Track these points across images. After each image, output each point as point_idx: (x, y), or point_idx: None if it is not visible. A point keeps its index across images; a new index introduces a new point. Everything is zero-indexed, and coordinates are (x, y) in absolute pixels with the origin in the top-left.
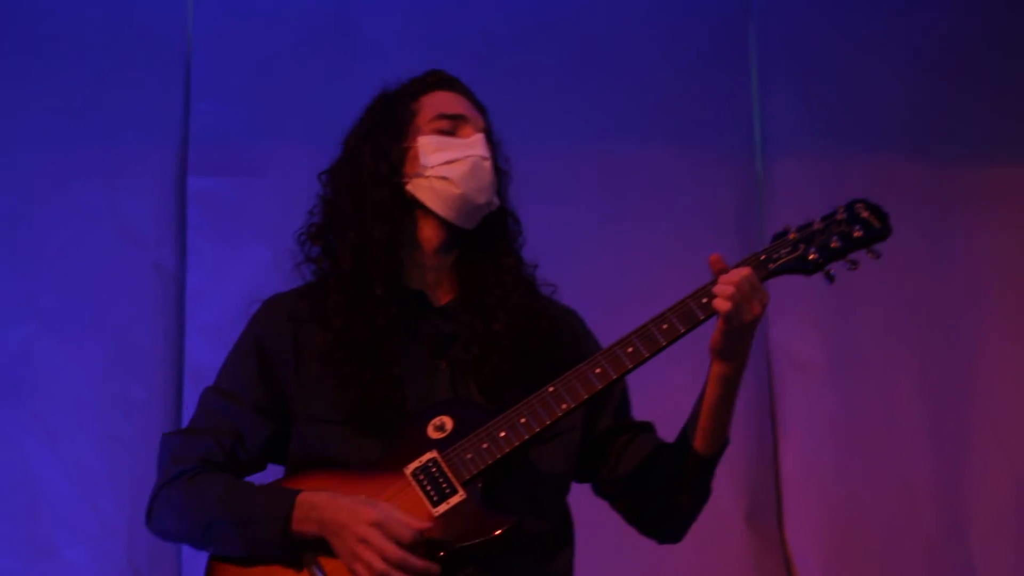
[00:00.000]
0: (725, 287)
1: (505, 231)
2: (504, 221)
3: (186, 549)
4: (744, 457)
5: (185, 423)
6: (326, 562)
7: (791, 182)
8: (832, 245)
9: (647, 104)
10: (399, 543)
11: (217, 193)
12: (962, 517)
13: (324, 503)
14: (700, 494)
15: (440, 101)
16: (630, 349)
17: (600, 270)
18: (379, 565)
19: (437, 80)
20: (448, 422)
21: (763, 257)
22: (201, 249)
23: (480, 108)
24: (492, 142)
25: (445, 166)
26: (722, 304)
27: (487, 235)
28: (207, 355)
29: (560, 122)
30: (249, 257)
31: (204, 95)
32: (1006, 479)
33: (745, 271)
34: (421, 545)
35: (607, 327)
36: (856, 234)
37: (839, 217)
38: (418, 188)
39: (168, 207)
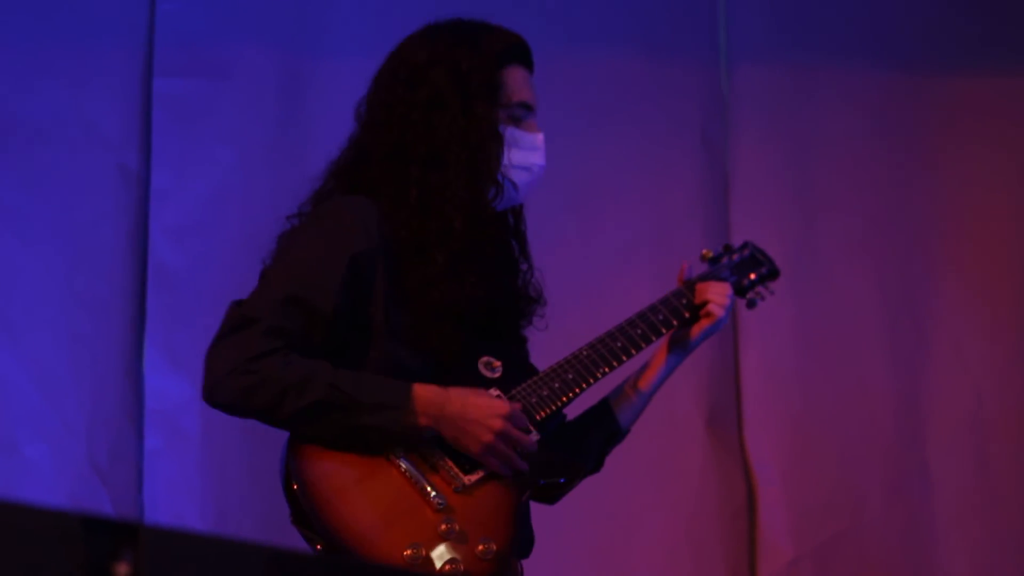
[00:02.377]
0: (722, 297)
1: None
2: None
3: (148, 444)
4: (705, 364)
5: (150, 322)
6: (414, 458)
7: (756, 90)
8: (752, 276)
9: (611, 9)
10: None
11: (183, 94)
12: (919, 426)
13: (443, 399)
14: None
15: (520, 82)
16: (646, 330)
17: (562, 176)
18: (514, 458)
19: (520, 49)
20: (496, 363)
21: (720, 276)
22: (166, 150)
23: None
24: None
25: (519, 171)
26: (718, 311)
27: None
28: (171, 255)
29: (524, 27)
30: (214, 158)
31: None
32: (964, 389)
33: (729, 288)
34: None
35: (565, 235)
36: (764, 271)
37: (747, 254)
38: None
39: (133, 108)
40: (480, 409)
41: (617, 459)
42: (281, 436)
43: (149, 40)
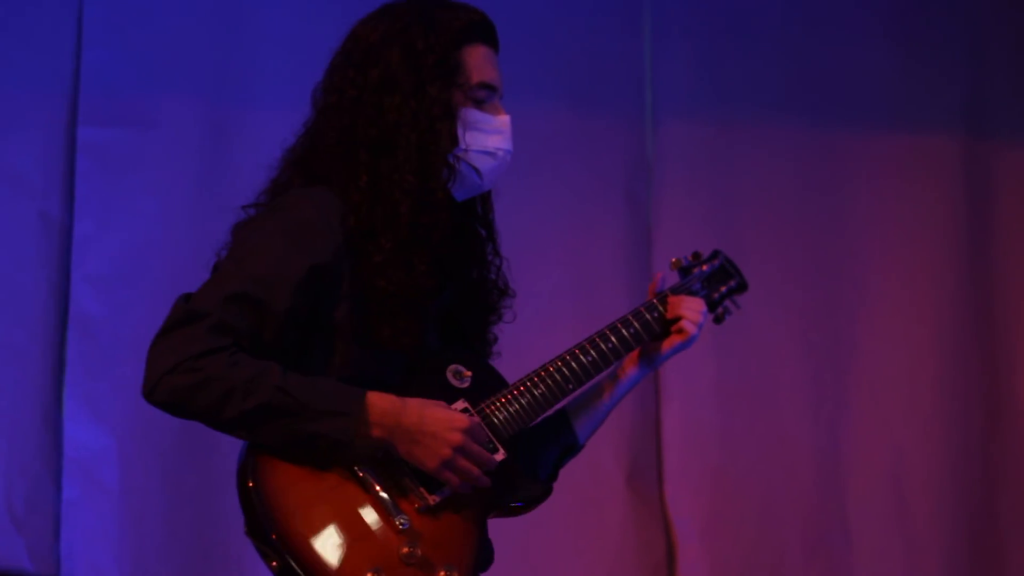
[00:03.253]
0: (695, 314)
1: (490, 198)
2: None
3: (67, 494)
4: (627, 418)
5: (69, 371)
6: (378, 474)
7: (680, 146)
8: (722, 289)
9: (539, 64)
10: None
11: (107, 143)
12: (839, 481)
13: (398, 408)
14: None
15: (482, 61)
16: (614, 341)
17: None
18: (476, 472)
19: (481, 27)
20: (466, 372)
21: (691, 288)
22: (89, 199)
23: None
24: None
25: (480, 156)
26: (691, 328)
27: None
28: (92, 304)
29: None
30: (137, 208)
31: (95, 44)
32: (884, 444)
33: (702, 304)
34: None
35: None
36: (733, 283)
37: (717, 264)
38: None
39: (57, 156)
40: (439, 422)
41: (537, 513)
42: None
43: (74, 89)
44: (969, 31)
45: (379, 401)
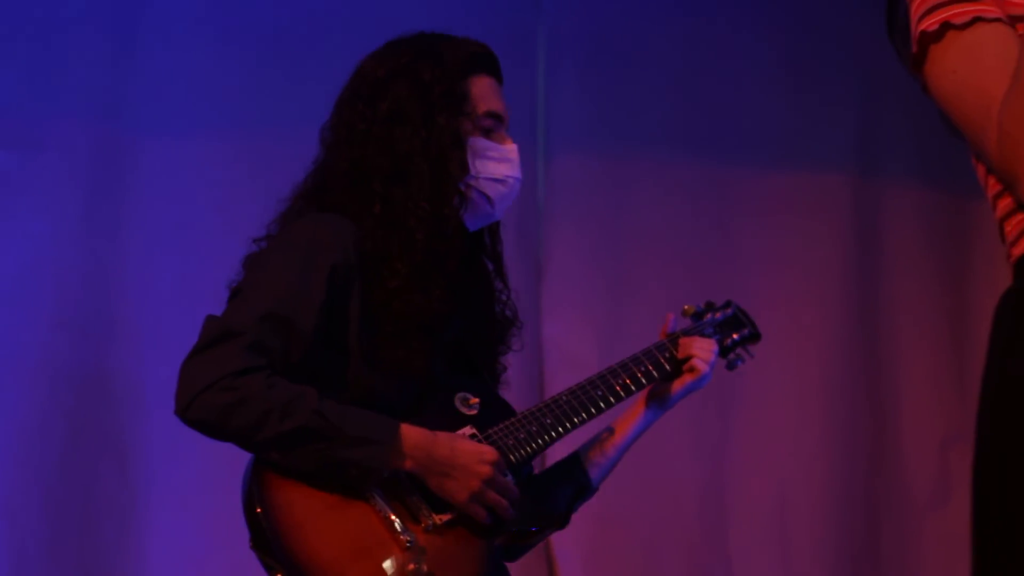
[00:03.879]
0: (707, 353)
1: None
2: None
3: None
4: None
5: None
6: (385, 491)
7: (572, 180)
8: (735, 336)
9: None
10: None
11: None
12: (723, 517)
13: (429, 441)
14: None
15: (488, 91)
16: (627, 380)
17: None
18: (505, 505)
19: (486, 59)
20: (473, 399)
21: (704, 332)
22: None
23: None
24: None
25: (491, 183)
26: (703, 366)
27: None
28: None
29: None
30: (27, 231)
31: None
32: (767, 481)
33: (714, 344)
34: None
35: None
36: (746, 331)
37: (729, 313)
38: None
39: None
40: (469, 455)
41: None
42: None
43: None
44: (860, 71)
45: (411, 432)
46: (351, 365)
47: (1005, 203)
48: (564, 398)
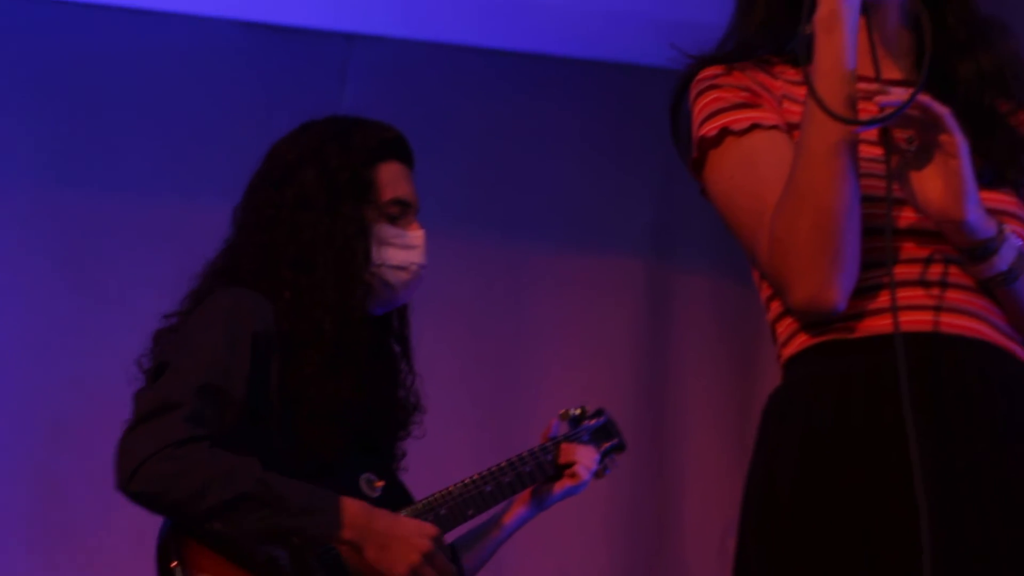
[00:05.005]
0: (590, 461)
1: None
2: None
3: None
4: None
5: None
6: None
7: None
8: (606, 446)
9: (238, 164)
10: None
11: None
12: None
13: (369, 512)
14: None
15: (395, 177)
16: (514, 478)
17: None
18: None
19: (395, 145)
20: (378, 482)
21: (582, 439)
22: None
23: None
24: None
25: (393, 271)
26: (584, 473)
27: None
28: None
29: (129, 166)
30: None
31: None
32: (547, 562)
33: (596, 453)
34: None
35: None
36: (615, 441)
37: (601, 421)
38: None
39: None
40: (408, 527)
41: None
42: None
43: None
44: (661, 157)
45: (351, 504)
46: (265, 437)
47: (776, 305)
48: (457, 491)
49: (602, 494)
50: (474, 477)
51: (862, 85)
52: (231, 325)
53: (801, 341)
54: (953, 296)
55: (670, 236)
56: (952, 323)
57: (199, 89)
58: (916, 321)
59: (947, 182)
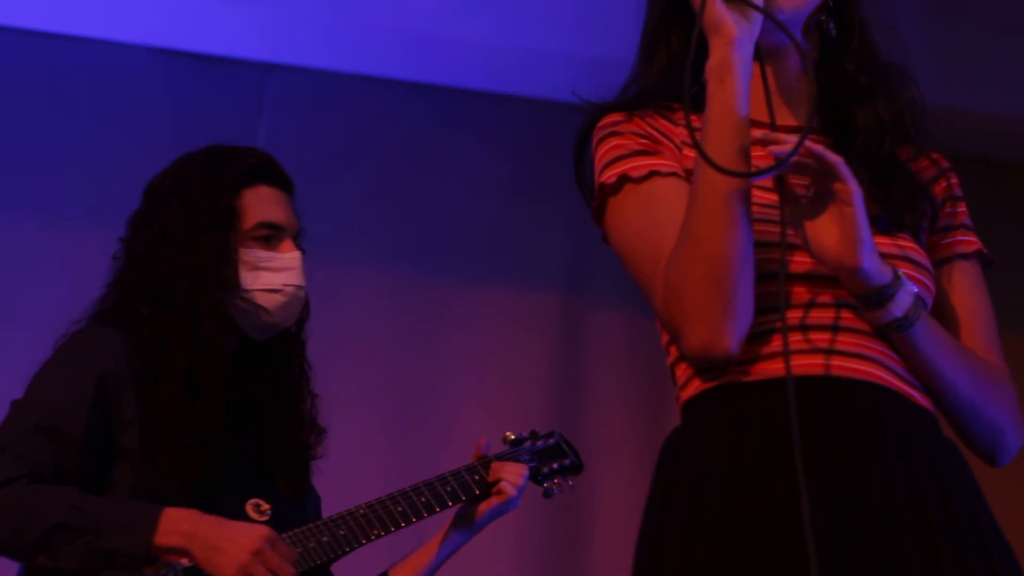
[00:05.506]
0: (516, 477)
1: (301, 327)
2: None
3: None
4: None
5: None
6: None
7: None
8: (554, 466)
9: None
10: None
11: None
12: None
13: (196, 517)
14: None
15: (263, 201)
16: (430, 498)
17: None
18: None
19: (262, 169)
20: (265, 506)
21: (518, 457)
22: None
23: (291, 189)
24: (301, 236)
25: (266, 294)
26: (511, 490)
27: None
28: None
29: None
30: None
31: None
32: None
33: (526, 469)
34: None
35: None
36: (567, 462)
37: (551, 442)
38: (230, 306)
39: None
40: (237, 529)
41: None
42: None
43: None
44: (573, 194)
45: (176, 513)
46: (133, 469)
47: (675, 350)
48: (362, 511)
49: (513, 527)
50: (384, 497)
51: (757, 132)
52: (76, 365)
53: (697, 385)
54: (848, 340)
55: (584, 271)
56: (847, 367)
57: (114, 116)
58: (809, 365)
59: (842, 229)
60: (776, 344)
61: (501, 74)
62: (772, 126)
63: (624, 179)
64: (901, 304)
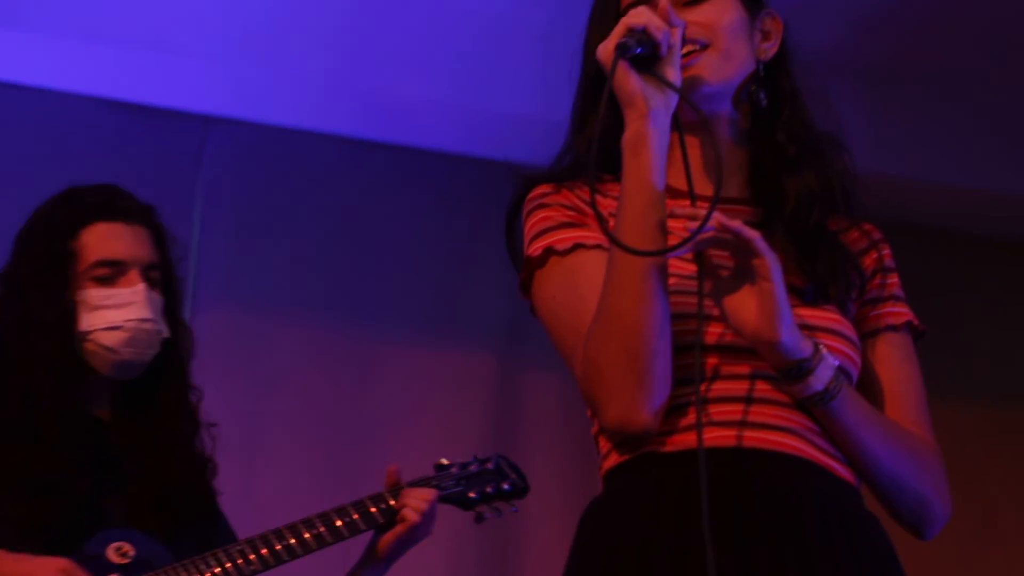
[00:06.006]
0: (420, 502)
1: (175, 358)
2: (176, 349)
3: None
4: None
5: None
6: None
7: (219, 336)
8: (487, 490)
9: None
10: None
11: None
12: None
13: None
14: None
15: (103, 239)
16: (321, 529)
17: None
18: None
19: (104, 207)
20: (129, 549)
21: (434, 483)
22: None
23: (144, 218)
24: (166, 259)
25: (106, 332)
26: (413, 516)
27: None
28: None
29: None
30: None
31: None
32: None
33: (433, 493)
34: None
35: None
36: (505, 486)
37: (489, 467)
38: (81, 351)
39: None
40: (35, 563)
41: None
42: None
43: None
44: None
45: None
46: None
47: (597, 421)
48: (238, 549)
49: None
50: (277, 528)
51: (670, 206)
52: None
53: (615, 457)
54: (767, 412)
55: (522, 330)
56: (766, 439)
57: (53, 165)
58: (724, 437)
59: (760, 304)
60: (693, 416)
61: (439, 131)
62: (691, 197)
63: (549, 252)
64: (821, 378)
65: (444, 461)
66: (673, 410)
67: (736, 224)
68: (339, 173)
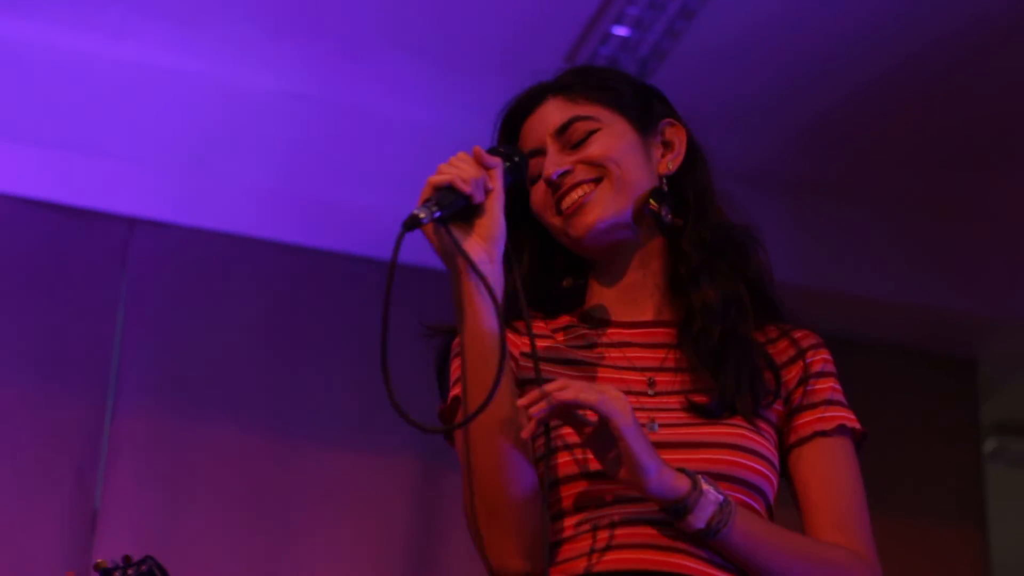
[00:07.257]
0: None
1: None
2: None
3: None
4: None
5: None
6: None
7: (138, 434)
8: None
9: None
10: None
11: None
12: None
13: None
14: None
15: None
16: None
17: None
18: None
19: None
20: None
21: None
22: None
23: None
24: None
25: None
26: None
27: None
28: None
29: None
30: None
31: None
32: None
33: None
34: None
35: None
36: None
37: (143, 568)
38: None
39: None
40: None
41: None
42: None
43: None
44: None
45: None
46: None
47: None
48: None
49: None
50: None
51: (520, 401)
52: None
53: None
54: (656, 534)
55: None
56: (659, 560)
57: None
58: (618, 560)
59: (624, 459)
60: (587, 543)
61: (363, 235)
62: (531, 337)
63: (457, 401)
64: (701, 516)
65: (104, 563)
66: (570, 539)
67: (570, 395)
68: (262, 275)
